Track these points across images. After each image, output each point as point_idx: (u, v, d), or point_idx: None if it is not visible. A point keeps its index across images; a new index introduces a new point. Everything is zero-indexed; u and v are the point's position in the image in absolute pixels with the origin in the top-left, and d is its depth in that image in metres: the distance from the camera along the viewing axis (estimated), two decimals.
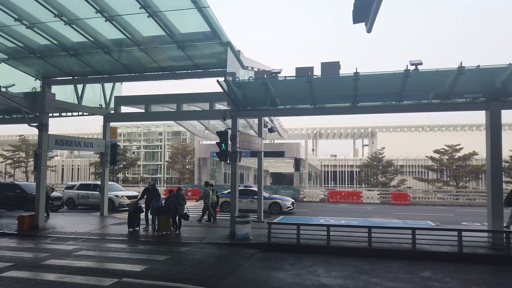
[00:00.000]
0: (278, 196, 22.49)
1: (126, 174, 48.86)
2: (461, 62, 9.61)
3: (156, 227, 12.95)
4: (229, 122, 12.94)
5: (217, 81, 11.37)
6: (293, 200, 21.41)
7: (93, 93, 17.85)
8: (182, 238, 11.91)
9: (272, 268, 8.58)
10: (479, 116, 11.21)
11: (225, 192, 21.14)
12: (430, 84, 10.82)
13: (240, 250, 10.43)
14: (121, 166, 39.95)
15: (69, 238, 11.95)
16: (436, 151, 38.51)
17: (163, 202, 13.20)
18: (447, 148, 37.77)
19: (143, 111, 17.73)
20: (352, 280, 7.57)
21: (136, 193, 23.00)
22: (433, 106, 11.48)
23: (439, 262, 9.20)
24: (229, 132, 12.31)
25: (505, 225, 12.78)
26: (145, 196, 14.08)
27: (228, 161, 12.36)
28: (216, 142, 12.30)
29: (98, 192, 20.02)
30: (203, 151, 35.95)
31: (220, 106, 16.32)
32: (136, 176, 58.18)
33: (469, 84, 10.51)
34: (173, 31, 11.23)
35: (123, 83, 18.42)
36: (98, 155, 29.37)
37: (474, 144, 42.23)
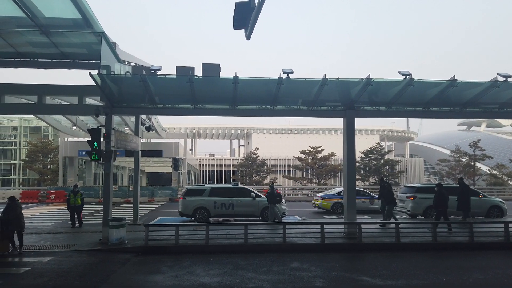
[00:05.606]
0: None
1: None
2: (325, 74, 10.87)
3: None
4: (102, 119, 12.02)
5: (90, 73, 10.44)
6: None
7: None
8: (45, 246, 10.56)
9: (149, 272, 8.30)
10: (337, 122, 12.85)
11: (334, 192, 20.21)
12: (300, 92, 11.92)
13: (114, 255, 9.78)
14: None
15: None
16: (302, 152, 42.63)
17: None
18: (311, 149, 42.15)
19: None
20: (230, 276, 7.86)
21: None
22: (301, 111, 12.68)
23: (306, 252, 10.23)
24: (103, 129, 11.44)
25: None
26: None
27: (101, 161, 11.46)
28: (88, 140, 11.26)
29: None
30: (69, 150, 32.50)
31: (91, 100, 14.99)
32: None
33: (331, 94, 11.93)
34: (36, 13, 9.86)
35: None
36: None
37: (333, 146, 48.16)
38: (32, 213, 19.72)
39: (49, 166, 42.19)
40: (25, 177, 54.71)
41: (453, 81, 10.87)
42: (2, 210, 10.18)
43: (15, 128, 57.80)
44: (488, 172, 43.08)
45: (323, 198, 20.21)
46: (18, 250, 10.06)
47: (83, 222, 14.94)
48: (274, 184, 17.33)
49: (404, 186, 19.82)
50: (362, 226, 11.22)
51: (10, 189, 39.57)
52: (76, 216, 14.51)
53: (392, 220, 13.90)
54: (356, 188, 20.56)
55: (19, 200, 26.34)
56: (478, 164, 42.87)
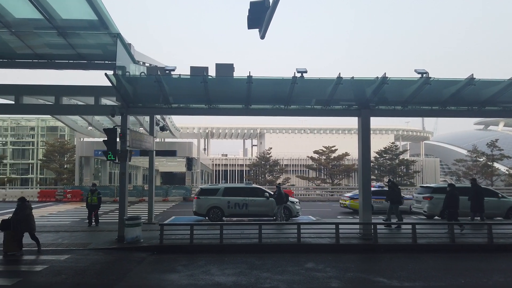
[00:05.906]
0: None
1: None
2: (340, 73, 10.76)
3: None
4: (117, 119, 12.15)
5: (106, 74, 10.58)
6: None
7: None
8: (62, 244, 10.75)
9: (164, 270, 8.36)
10: (351, 121, 12.75)
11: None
12: (313, 91, 11.83)
13: (130, 254, 9.89)
14: None
15: None
16: (315, 152, 42.39)
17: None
18: (325, 149, 41.87)
19: (13, 102, 15.41)
20: (245, 276, 7.85)
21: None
22: (315, 111, 12.59)
23: (321, 253, 10.16)
24: (118, 129, 11.57)
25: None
26: None
27: (117, 161, 11.60)
28: (104, 140, 11.40)
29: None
30: (85, 149, 33.04)
31: (106, 101, 15.18)
32: (2, 176, 50.27)
33: (345, 93, 11.80)
34: (53, 15, 10.02)
35: None
36: None
37: (346, 146, 47.76)
38: (49, 212, 20.07)
39: (65, 166, 42.94)
40: (42, 176, 55.86)
41: (471, 79, 10.64)
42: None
43: (32, 128, 59.07)
44: (507, 172, 42.11)
45: (351, 198, 19.80)
46: (37, 249, 10.08)
47: (100, 220, 15.14)
48: (281, 185, 17.23)
49: (420, 186, 19.55)
50: (378, 226, 11.09)
51: (28, 188, 40.42)
52: (93, 214, 14.70)
53: (394, 220, 13.75)
54: (385, 189, 20.38)
55: (37, 199, 26.83)
56: (496, 164, 41.91)
